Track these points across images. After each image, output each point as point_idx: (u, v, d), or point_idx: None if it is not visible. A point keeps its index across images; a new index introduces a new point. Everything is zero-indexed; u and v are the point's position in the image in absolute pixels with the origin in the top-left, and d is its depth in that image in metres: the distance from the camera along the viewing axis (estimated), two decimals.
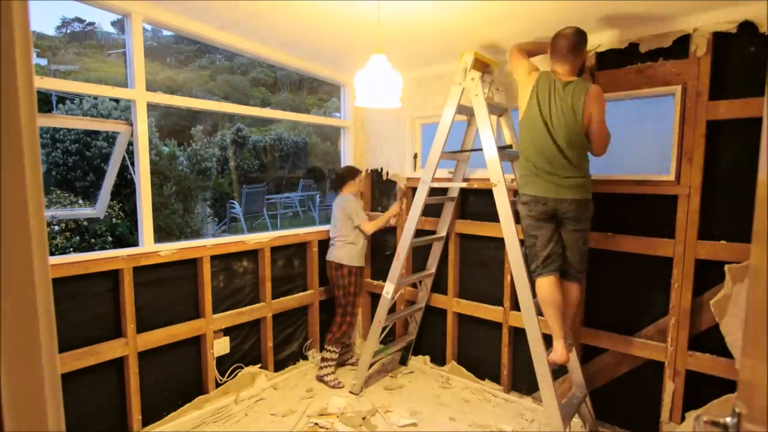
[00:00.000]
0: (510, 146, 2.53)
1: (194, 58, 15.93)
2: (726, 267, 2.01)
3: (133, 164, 2.28)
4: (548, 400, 2.04)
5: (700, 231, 2.07)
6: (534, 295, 2.12)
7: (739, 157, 1.99)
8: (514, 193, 2.60)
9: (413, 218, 2.59)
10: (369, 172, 3.48)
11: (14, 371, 0.48)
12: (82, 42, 15.99)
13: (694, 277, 2.09)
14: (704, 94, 2.01)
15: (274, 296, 2.96)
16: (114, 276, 2.20)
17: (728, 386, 2.04)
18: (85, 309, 2.12)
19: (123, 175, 5.32)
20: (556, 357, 2.08)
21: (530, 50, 2.23)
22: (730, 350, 2.03)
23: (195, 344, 2.57)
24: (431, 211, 2.99)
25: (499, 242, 2.60)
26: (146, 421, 2.34)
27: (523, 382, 2.75)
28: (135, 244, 2.42)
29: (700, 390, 2.12)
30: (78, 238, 5.33)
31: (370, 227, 2.95)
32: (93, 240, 5.45)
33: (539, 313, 2.13)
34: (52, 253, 3.47)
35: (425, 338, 3.24)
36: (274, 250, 2.94)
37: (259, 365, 2.92)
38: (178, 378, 2.50)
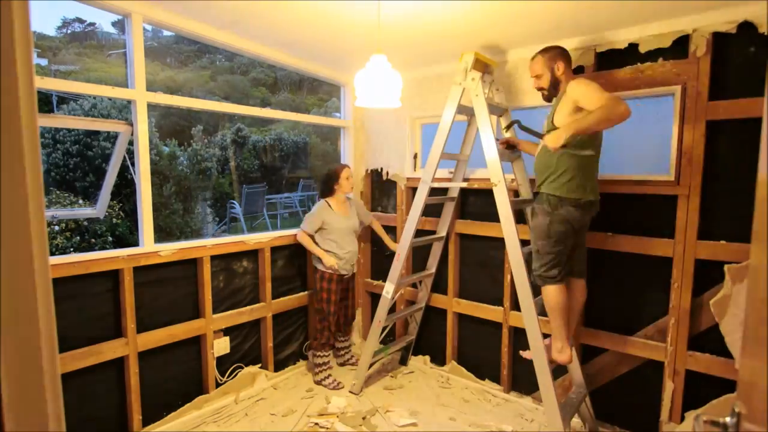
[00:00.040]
0: (514, 147, 2.49)
1: (194, 59, 15.93)
2: (726, 267, 2.01)
3: (133, 164, 2.28)
4: (548, 400, 2.04)
5: (700, 231, 2.07)
6: (534, 295, 2.12)
7: (738, 157, 1.99)
8: (515, 193, 2.60)
9: (413, 218, 2.59)
10: (369, 172, 3.48)
11: (14, 371, 0.48)
12: (82, 42, 16.00)
13: (694, 277, 2.09)
14: (704, 95, 2.01)
15: (274, 296, 2.96)
16: (114, 276, 2.20)
17: (728, 386, 2.04)
18: (86, 309, 2.12)
19: (123, 175, 5.31)
20: (562, 357, 2.10)
21: None
22: (730, 350, 2.03)
23: (195, 344, 2.57)
24: (431, 211, 2.99)
25: (499, 242, 2.60)
26: (146, 421, 2.34)
27: (523, 382, 2.75)
28: (135, 244, 2.43)
29: (700, 390, 2.12)
30: (78, 238, 5.32)
31: (300, 235, 2.85)
32: (93, 240, 5.45)
33: (539, 313, 2.13)
34: (52, 253, 3.47)
35: (425, 338, 3.24)
36: (274, 250, 2.94)
37: (259, 365, 2.92)
38: (178, 378, 2.50)
